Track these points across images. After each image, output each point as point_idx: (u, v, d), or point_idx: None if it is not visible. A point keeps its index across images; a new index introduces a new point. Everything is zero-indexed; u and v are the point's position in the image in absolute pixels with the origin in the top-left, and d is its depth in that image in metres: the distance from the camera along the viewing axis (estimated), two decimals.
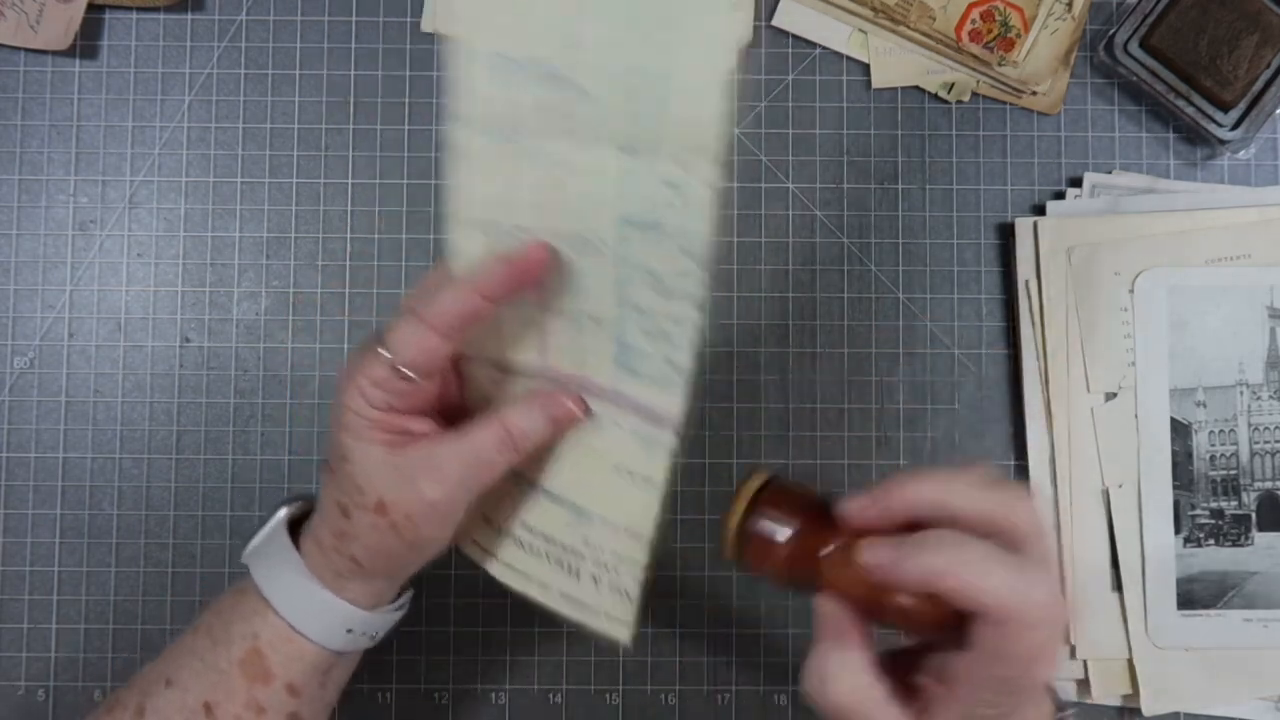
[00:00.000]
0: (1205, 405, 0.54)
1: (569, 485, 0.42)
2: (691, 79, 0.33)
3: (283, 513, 0.44)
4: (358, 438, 0.39)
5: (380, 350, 0.38)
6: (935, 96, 0.56)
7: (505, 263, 0.38)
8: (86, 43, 0.56)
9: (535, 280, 0.38)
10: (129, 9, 0.56)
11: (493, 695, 0.54)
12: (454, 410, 0.43)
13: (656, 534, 0.40)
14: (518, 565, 0.44)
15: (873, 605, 0.35)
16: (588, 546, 0.42)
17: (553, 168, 0.37)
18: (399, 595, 0.44)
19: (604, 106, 0.35)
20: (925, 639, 0.36)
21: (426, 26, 0.56)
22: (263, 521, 0.44)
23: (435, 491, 0.39)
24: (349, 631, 0.42)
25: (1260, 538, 0.53)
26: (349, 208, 0.56)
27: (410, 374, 0.38)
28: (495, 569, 0.45)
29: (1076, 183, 0.55)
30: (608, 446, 0.41)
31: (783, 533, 0.36)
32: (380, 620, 0.43)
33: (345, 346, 0.55)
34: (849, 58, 0.56)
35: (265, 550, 0.43)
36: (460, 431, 0.40)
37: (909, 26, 0.55)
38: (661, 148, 0.34)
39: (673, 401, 0.38)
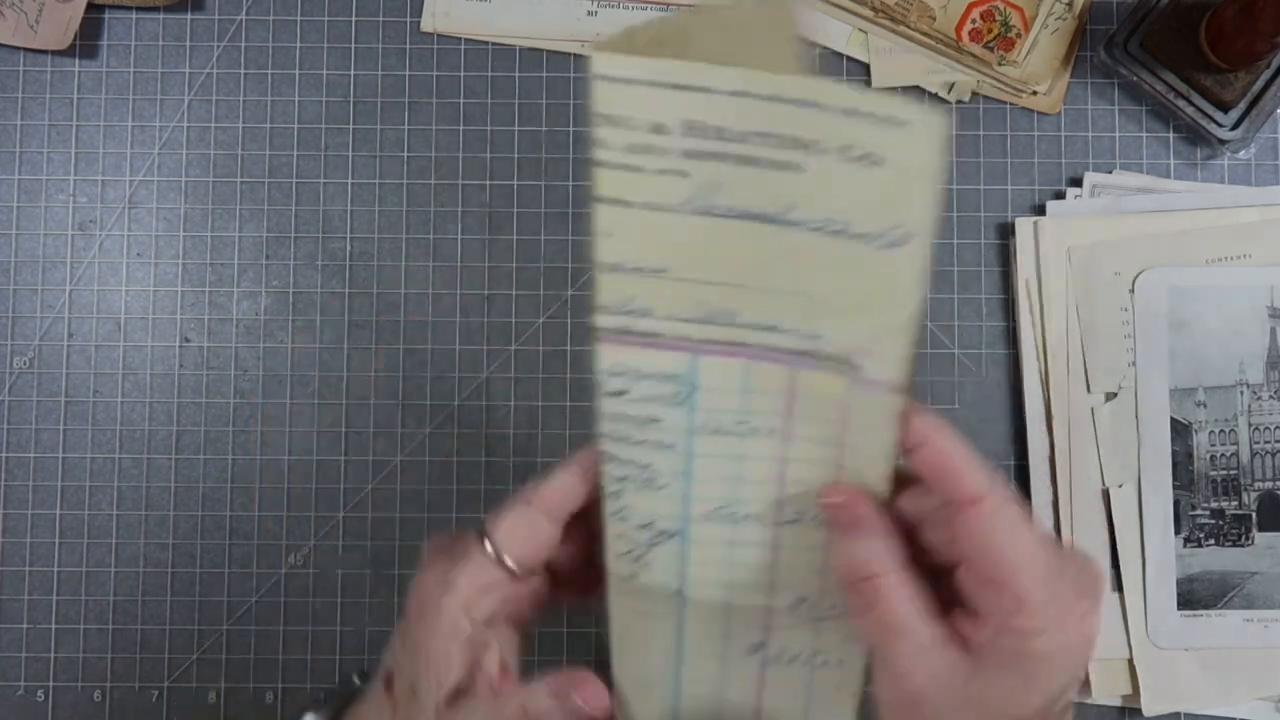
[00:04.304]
0: (1205, 405, 0.54)
1: None
2: None
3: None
4: (448, 660, 0.34)
5: (486, 547, 0.34)
6: (935, 96, 0.56)
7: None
8: (86, 42, 0.56)
9: None
10: (128, 8, 0.56)
11: None
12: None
13: None
14: None
15: None
16: None
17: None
18: None
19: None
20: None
21: (426, 26, 0.56)
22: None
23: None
24: None
25: (1261, 538, 0.53)
26: (349, 208, 0.56)
27: (518, 571, 0.35)
28: None
29: (1077, 183, 0.55)
30: None
31: None
32: None
33: (345, 347, 0.55)
34: (849, 58, 0.56)
35: None
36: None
37: (909, 26, 0.55)
38: None
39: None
